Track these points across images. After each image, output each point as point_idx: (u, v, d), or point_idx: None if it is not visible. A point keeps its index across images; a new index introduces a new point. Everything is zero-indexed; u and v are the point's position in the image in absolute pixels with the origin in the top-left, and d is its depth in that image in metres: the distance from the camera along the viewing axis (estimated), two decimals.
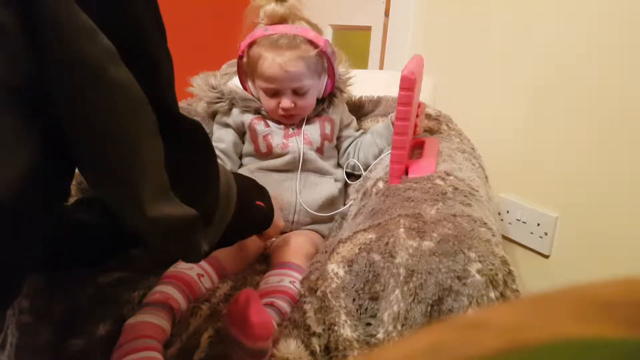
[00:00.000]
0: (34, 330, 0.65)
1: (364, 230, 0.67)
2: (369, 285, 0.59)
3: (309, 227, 0.93)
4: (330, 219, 0.95)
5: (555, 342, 0.13)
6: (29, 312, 0.67)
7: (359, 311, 0.58)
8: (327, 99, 0.97)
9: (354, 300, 0.59)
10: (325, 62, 0.91)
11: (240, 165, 0.98)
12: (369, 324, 0.57)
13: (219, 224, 0.54)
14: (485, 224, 0.65)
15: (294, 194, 0.92)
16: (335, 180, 0.97)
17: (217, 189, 0.53)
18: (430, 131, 1.00)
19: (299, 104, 0.90)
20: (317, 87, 0.92)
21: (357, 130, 1.05)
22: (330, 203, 0.95)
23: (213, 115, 1.01)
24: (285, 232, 0.92)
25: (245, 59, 0.92)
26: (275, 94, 0.90)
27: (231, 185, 0.58)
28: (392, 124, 0.84)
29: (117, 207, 0.47)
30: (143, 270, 0.74)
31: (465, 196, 0.72)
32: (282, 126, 0.94)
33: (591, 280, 0.17)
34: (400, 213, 0.67)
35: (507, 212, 1.22)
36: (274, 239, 0.88)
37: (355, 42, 1.91)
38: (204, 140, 0.51)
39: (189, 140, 0.48)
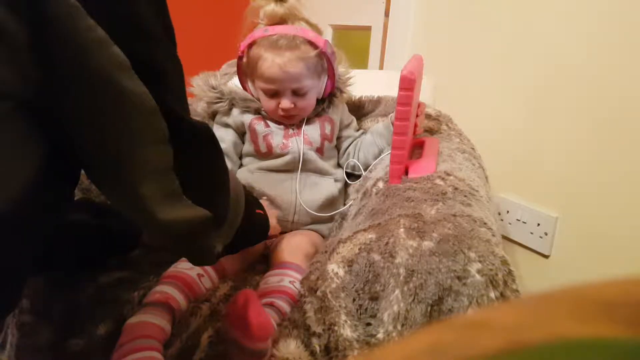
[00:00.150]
0: (34, 330, 0.65)
1: (364, 230, 0.67)
2: (369, 285, 0.59)
3: (309, 227, 0.93)
4: (330, 219, 0.95)
5: (556, 342, 0.13)
6: (29, 312, 0.67)
7: (359, 311, 0.58)
8: (327, 99, 0.97)
9: (354, 300, 0.59)
10: (325, 63, 0.91)
11: (241, 165, 0.98)
12: (369, 324, 0.57)
13: (231, 227, 0.55)
14: (485, 224, 0.65)
15: (294, 194, 0.92)
16: (335, 180, 0.97)
17: (227, 190, 0.54)
18: (430, 131, 1.00)
19: (299, 104, 0.90)
20: (316, 87, 0.92)
21: (357, 130, 1.05)
22: (330, 203, 0.95)
23: (213, 115, 1.01)
24: (285, 232, 0.92)
25: (245, 60, 0.91)
26: (274, 94, 0.90)
27: (239, 188, 0.59)
28: (392, 124, 0.84)
29: (129, 212, 0.47)
30: (143, 270, 0.74)
31: (465, 196, 0.72)
32: (282, 126, 0.94)
33: (591, 280, 0.17)
34: (400, 213, 0.67)
35: (507, 212, 1.22)
36: (273, 239, 0.88)
37: (355, 42, 1.91)
38: (214, 143, 0.51)
39: (199, 144, 0.49)
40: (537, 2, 1.12)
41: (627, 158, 0.97)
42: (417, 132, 0.93)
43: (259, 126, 0.94)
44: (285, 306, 0.66)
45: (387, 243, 0.61)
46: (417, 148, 0.91)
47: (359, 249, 0.63)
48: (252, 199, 0.67)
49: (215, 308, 0.67)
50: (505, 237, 1.22)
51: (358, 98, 1.12)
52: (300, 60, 0.86)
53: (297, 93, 0.90)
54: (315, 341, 0.58)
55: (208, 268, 0.73)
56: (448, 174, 0.77)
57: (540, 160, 1.14)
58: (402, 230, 0.63)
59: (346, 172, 1.00)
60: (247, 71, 0.93)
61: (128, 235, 0.75)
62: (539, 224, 1.14)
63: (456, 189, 0.73)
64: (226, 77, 1.08)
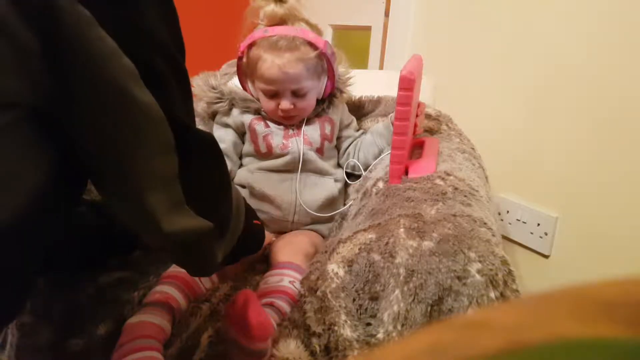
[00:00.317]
0: (34, 330, 0.65)
1: (364, 230, 0.67)
2: (369, 285, 0.59)
3: (308, 227, 0.93)
4: (330, 219, 0.95)
5: (556, 342, 0.13)
6: (29, 312, 0.67)
7: (359, 311, 0.58)
8: (327, 100, 0.97)
9: (354, 300, 0.59)
10: (324, 63, 0.91)
11: (241, 166, 0.98)
12: (369, 324, 0.57)
13: (232, 238, 0.56)
14: (485, 224, 0.65)
15: (294, 194, 0.92)
16: (335, 181, 0.97)
17: (230, 201, 0.54)
18: (430, 131, 1.00)
19: (299, 105, 0.90)
20: (316, 88, 0.92)
21: (357, 130, 1.05)
22: (330, 203, 0.95)
23: (213, 116, 1.01)
24: (285, 232, 0.92)
25: (244, 60, 0.91)
26: (274, 95, 0.90)
27: (240, 199, 0.59)
28: (392, 124, 0.84)
29: (133, 222, 0.48)
30: (143, 270, 0.74)
31: (465, 196, 0.72)
32: (282, 126, 0.94)
33: (591, 280, 0.17)
34: (400, 213, 0.67)
35: (507, 212, 1.22)
36: (273, 239, 0.88)
37: (355, 42, 1.91)
38: (218, 154, 0.52)
39: (203, 155, 0.49)
40: (537, 2, 1.12)
41: (627, 158, 0.97)
42: (417, 132, 0.93)
43: (259, 126, 0.94)
44: (285, 306, 0.66)
45: (387, 243, 0.61)
46: (417, 148, 0.91)
47: (359, 249, 0.63)
48: (249, 209, 0.68)
49: (215, 308, 0.67)
50: (505, 237, 1.22)
51: (358, 98, 1.12)
52: (300, 62, 0.86)
53: (296, 94, 0.90)
54: (315, 341, 0.58)
55: None
56: (448, 174, 0.77)
57: (540, 160, 1.14)
58: (402, 230, 0.63)
59: (346, 172, 1.00)
60: (246, 72, 0.93)
61: (129, 235, 0.76)
62: (539, 224, 1.14)
63: (456, 189, 0.73)
64: (226, 77, 1.08)
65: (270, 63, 0.86)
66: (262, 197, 0.91)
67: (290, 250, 0.81)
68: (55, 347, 0.63)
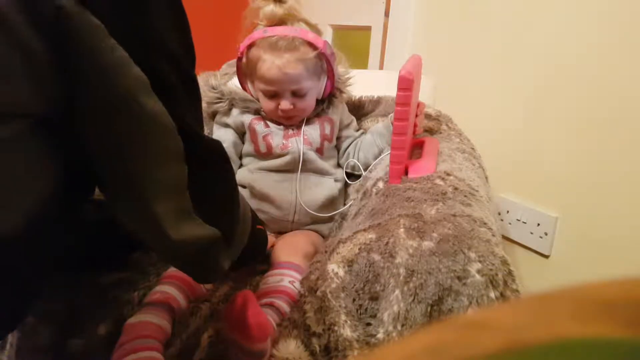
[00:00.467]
0: (34, 330, 0.65)
1: (364, 230, 0.67)
2: (369, 285, 0.59)
3: (308, 227, 0.93)
4: (330, 219, 0.95)
5: (556, 342, 0.13)
6: (29, 312, 0.67)
7: (359, 311, 0.58)
8: (326, 100, 0.97)
9: (354, 300, 0.59)
10: (324, 64, 0.91)
11: (240, 166, 0.98)
12: (369, 324, 0.57)
13: (239, 244, 0.56)
14: (485, 224, 0.65)
15: (294, 194, 0.92)
16: (335, 181, 0.97)
17: (237, 210, 0.54)
18: (430, 131, 1.00)
19: (298, 105, 0.90)
20: (316, 88, 0.92)
21: (357, 130, 1.05)
22: (330, 203, 0.95)
23: (213, 116, 1.01)
24: (286, 232, 0.92)
25: (244, 61, 0.91)
26: (274, 95, 0.90)
27: (246, 205, 0.60)
28: (392, 124, 0.84)
29: (140, 229, 0.48)
30: (143, 270, 0.74)
31: (465, 196, 0.72)
32: (281, 127, 0.94)
33: (591, 280, 0.17)
34: (400, 213, 0.67)
35: (507, 212, 1.22)
36: (273, 239, 0.88)
37: (355, 42, 1.91)
38: (225, 161, 0.52)
39: (211, 162, 0.49)
40: (537, 2, 1.12)
41: (627, 158, 0.97)
42: (416, 132, 0.93)
43: (259, 126, 0.94)
44: (285, 306, 0.66)
45: (387, 243, 0.61)
46: (417, 148, 0.91)
47: (359, 249, 0.63)
48: (253, 215, 0.68)
49: (215, 308, 0.67)
50: (505, 237, 1.22)
51: (358, 98, 1.12)
52: (300, 62, 0.86)
53: (296, 94, 0.90)
54: (315, 341, 0.58)
55: None
56: (448, 174, 0.77)
57: (540, 160, 1.14)
58: (402, 230, 0.63)
59: (346, 172, 1.00)
60: (246, 72, 0.93)
61: (129, 237, 0.76)
62: (539, 224, 1.14)
63: (456, 189, 0.73)
64: (226, 77, 1.08)
65: (270, 63, 0.86)
66: (262, 197, 0.91)
67: (290, 250, 0.81)
68: (55, 347, 0.63)
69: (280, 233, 0.92)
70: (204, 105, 1.00)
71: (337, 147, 1.01)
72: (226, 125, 0.97)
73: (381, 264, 0.59)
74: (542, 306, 0.16)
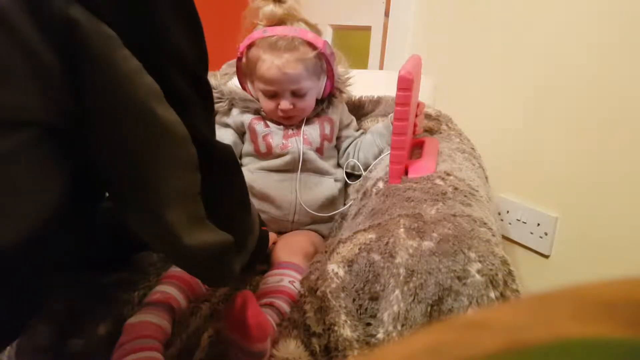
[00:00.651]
0: (34, 330, 0.65)
1: (364, 230, 0.67)
2: (369, 285, 0.59)
3: (308, 227, 0.93)
4: (330, 219, 0.95)
5: (555, 342, 0.13)
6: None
7: (359, 311, 0.58)
8: (326, 100, 0.97)
9: (354, 300, 0.59)
10: (324, 63, 0.91)
11: (240, 165, 0.98)
12: (369, 324, 0.57)
13: (249, 249, 0.56)
14: (485, 224, 0.65)
15: (294, 194, 0.92)
16: (335, 180, 0.97)
17: (249, 214, 0.55)
18: (430, 131, 1.00)
19: (298, 105, 0.90)
20: (316, 88, 0.92)
21: (357, 130, 1.05)
22: (330, 203, 0.95)
23: None
24: (286, 232, 0.92)
25: (244, 61, 0.91)
26: (274, 95, 0.90)
27: (255, 210, 0.60)
28: (392, 123, 0.84)
29: (153, 236, 0.48)
30: (143, 271, 0.74)
31: (465, 196, 0.72)
32: (281, 126, 0.94)
33: (591, 280, 0.17)
34: (400, 213, 0.67)
35: (507, 212, 1.22)
36: (275, 235, 0.88)
37: (355, 42, 1.91)
38: (236, 167, 0.52)
39: (223, 169, 0.49)
40: (537, 2, 1.12)
41: (627, 158, 0.97)
42: (416, 132, 0.93)
43: (259, 126, 0.94)
44: (285, 306, 0.66)
45: (387, 243, 0.61)
46: (417, 148, 0.91)
47: (359, 249, 0.63)
48: (258, 216, 0.69)
49: (215, 308, 0.67)
50: (505, 237, 1.22)
51: (358, 98, 1.12)
52: (299, 62, 0.86)
53: (296, 94, 0.90)
54: (315, 341, 0.58)
55: None
56: (448, 174, 0.77)
57: (540, 160, 1.14)
58: (402, 230, 0.63)
59: (346, 172, 1.00)
60: (246, 72, 0.93)
61: (130, 238, 0.76)
62: (539, 224, 1.14)
63: (456, 189, 0.73)
64: (226, 77, 1.08)
65: (270, 63, 0.86)
66: (262, 197, 0.91)
67: (290, 250, 0.81)
68: (55, 347, 0.63)
69: (280, 233, 0.92)
70: None
71: (337, 147, 1.01)
72: (226, 125, 0.97)
73: (381, 264, 0.59)
74: (542, 306, 0.16)
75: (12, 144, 0.36)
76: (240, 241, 0.52)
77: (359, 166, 0.97)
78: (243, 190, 0.54)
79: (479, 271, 0.56)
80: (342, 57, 0.97)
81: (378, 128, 0.98)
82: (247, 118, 0.95)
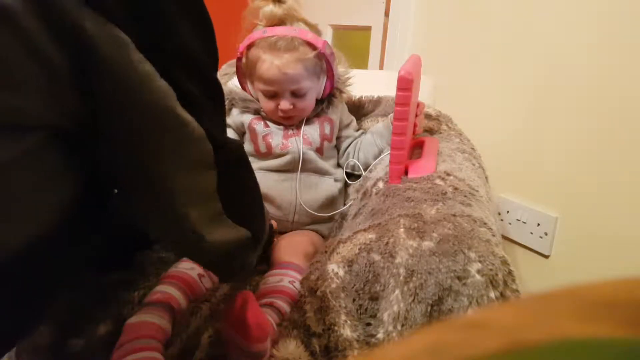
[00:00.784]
0: None
1: (364, 230, 0.67)
2: (369, 285, 0.59)
3: (308, 227, 0.93)
4: (330, 219, 0.95)
5: (555, 342, 0.13)
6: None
7: (359, 311, 0.58)
8: (326, 100, 0.97)
9: (354, 300, 0.59)
10: (323, 63, 0.91)
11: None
12: (369, 324, 0.57)
13: (262, 242, 0.57)
14: (485, 224, 0.65)
15: (294, 194, 0.92)
16: (335, 180, 0.97)
17: (262, 208, 0.56)
18: (430, 131, 1.00)
19: (298, 105, 0.90)
20: (316, 88, 0.92)
21: (357, 130, 1.05)
22: (330, 203, 0.95)
23: None
24: (286, 232, 0.92)
25: (243, 61, 0.91)
26: (273, 95, 0.90)
27: (263, 203, 0.61)
28: (392, 124, 0.84)
29: (173, 236, 0.49)
30: (143, 271, 0.74)
31: (465, 196, 0.72)
32: (281, 126, 0.94)
33: (591, 280, 0.17)
34: (400, 213, 0.67)
35: (507, 212, 1.22)
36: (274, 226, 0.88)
37: (355, 42, 1.91)
38: (247, 162, 0.53)
39: (235, 166, 0.50)
40: (537, 2, 1.12)
41: (627, 158, 0.97)
42: (416, 132, 0.93)
43: (259, 126, 0.94)
44: (285, 306, 0.66)
45: (387, 243, 0.61)
46: (417, 148, 0.91)
47: (359, 249, 0.63)
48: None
49: (215, 308, 0.67)
50: (505, 237, 1.22)
51: (358, 98, 1.12)
52: (299, 62, 0.86)
53: (296, 94, 0.90)
54: (315, 341, 0.58)
55: None
56: (448, 174, 0.77)
57: (540, 160, 1.14)
58: (402, 230, 0.63)
59: (346, 172, 1.00)
60: (246, 72, 0.93)
61: (131, 237, 0.76)
62: (539, 224, 1.14)
63: (456, 189, 0.73)
64: (226, 77, 1.08)
65: (270, 64, 0.86)
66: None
67: (290, 250, 0.81)
68: (55, 347, 0.63)
69: (280, 233, 0.92)
70: None
71: (337, 147, 1.01)
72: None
73: (381, 264, 0.59)
74: (542, 306, 0.16)
75: (19, 148, 0.36)
76: (256, 235, 0.53)
77: (359, 166, 0.97)
78: (255, 185, 0.55)
79: (479, 271, 0.56)
80: (342, 57, 0.97)
81: (378, 128, 0.98)
82: (247, 118, 0.95)
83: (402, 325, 0.55)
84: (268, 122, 0.94)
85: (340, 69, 0.97)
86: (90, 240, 0.57)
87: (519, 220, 1.19)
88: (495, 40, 1.22)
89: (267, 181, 0.92)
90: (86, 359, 0.62)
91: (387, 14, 1.61)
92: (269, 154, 0.93)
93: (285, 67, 0.86)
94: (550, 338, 0.14)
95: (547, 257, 1.15)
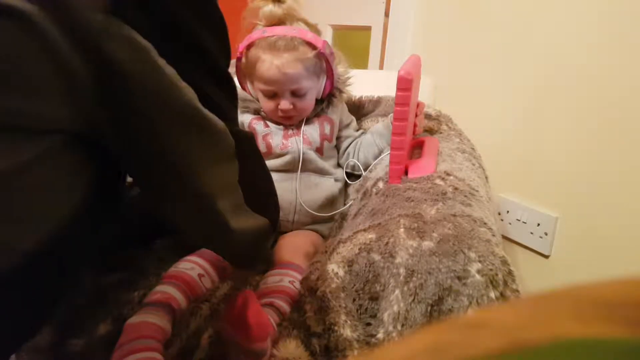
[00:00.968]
0: None
1: (364, 230, 0.67)
2: (369, 285, 0.59)
3: (309, 227, 0.93)
4: (330, 219, 0.95)
5: (555, 342, 0.13)
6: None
7: (359, 311, 0.58)
8: (326, 100, 0.97)
9: (354, 300, 0.59)
10: (323, 63, 0.91)
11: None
12: (369, 324, 0.57)
13: (275, 231, 0.59)
14: (485, 224, 0.65)
15: (294, 194, 0.92)
16: (335, 180, 0.97)
17: (275, 196, 0.58)
18: (430, 131, 1.00)
19: (298, 105, 0.90)
20: (315, 88, 0.92)
21: (357, 130, 1.05)
22: (330, 203, 0.95)
23: None
24: (286, 232, 0.92)
25: (243, 61, 0.92)
26: (273, 95, 0.90)
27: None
28: (392, 124, 0.84)
29: (201, 228, 0.50)
30: (143, 271, 0.74)
31: (465, 196, 0.72)
32: (281, 126, 0.94)
33: (591, 280, 0.17)
34: (400, 213, 0.67)
35: (507, 212, 1.22)
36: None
37: (355, 42, 1.91)
38: (259, 153, 0.55)
39: (251, 155, 0.52)
40: (537, 2, 1.12)
41: (627, 158, 0.97)
42: (416, 132, 0.93)
43: (259, 126, 0.94)
44: (285, 306, 0.66)
45: (387, 243, 0.61)
46: (417, 148, 0.91)
47: (359, 249, 0.63)
48: None
49: (215, 308, 0.67)
50: (505, 237, 1.22)
51: (358, 98, 1.12)
52: (299, 62, 0.86)
53: (296, 94, 0.90)
54: (315, 341, 0.58)
55: (209, 268, 0.73)
56: (448, 174, 0.77)
57: (540, 160, 1.14)
58: (402, 230, 0.63)
59: (346, 172, 1.00)
60: (245, 72, 0.93)
61: (130, 235, 0.76)
62: (539, 224, 1.14)
63: (456, 189, 0.73)
64: None
65: (269, 63, 0.86)
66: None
67: (290, 250, 0.81)
68: (55, 347, 0.63)
69: (280, 233, 0.92)
70: None
71: (337, 147, 1.01)
72: None
73: (381, 264, 0.59)
74: (542, 306, 0.16)
75: (37, 150, 0.36)
76: (273, 223, 0.55)
77: (359, 166, 0.97)
78: (268, 174, 0.57)
79: (479, 271, 0.56)
80: (342, 57, 0.97)
81: (378, 128, 0.98)
82: (247, 118, 0.95)
83: (402, 325, 0.55)
84: (268, 122, 0.94)
85: (340, 68, 0.97)
86: (96, 240, 0.58)
87: (519, 220, 1.19)
88: (495, 40, 1.22)
89: None
90: (86, 359, 0.62)
91: (387, 14, 1.61)
92: (269, 154, 0.93)
93: (285, 67, 0.86)
94: (550, 338, 0.14)
95: (547, 257, 1.15)
